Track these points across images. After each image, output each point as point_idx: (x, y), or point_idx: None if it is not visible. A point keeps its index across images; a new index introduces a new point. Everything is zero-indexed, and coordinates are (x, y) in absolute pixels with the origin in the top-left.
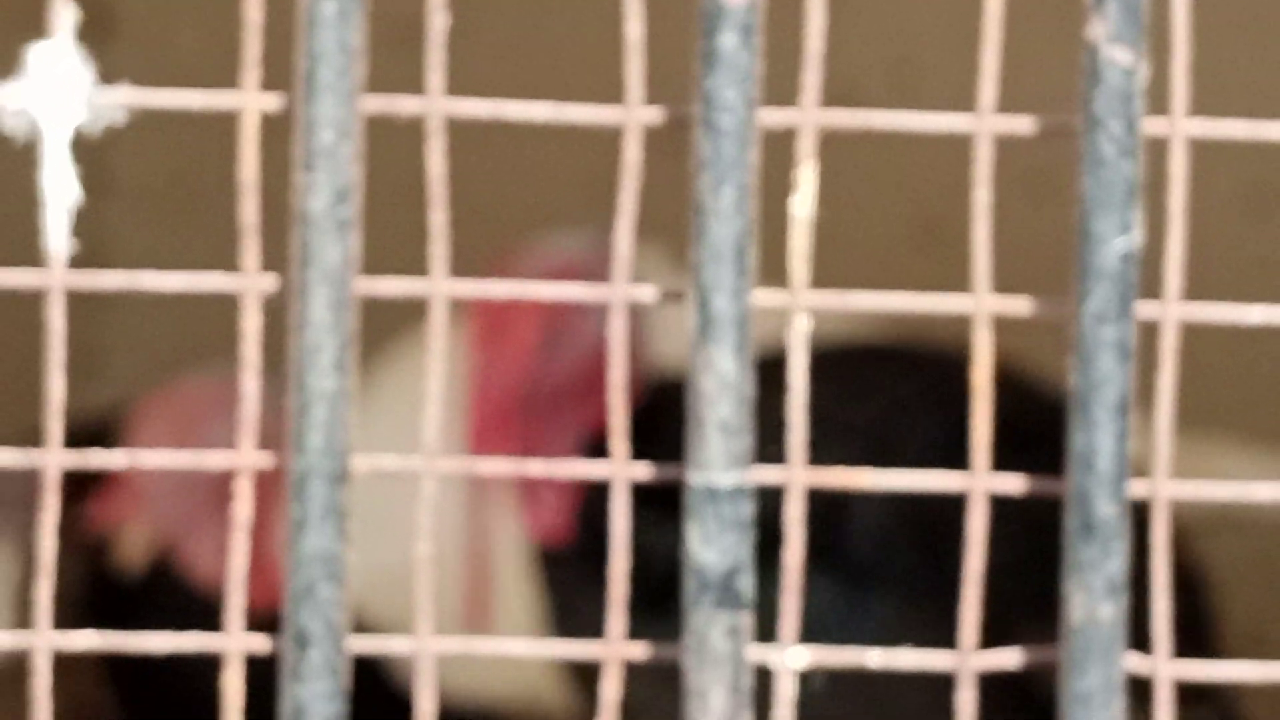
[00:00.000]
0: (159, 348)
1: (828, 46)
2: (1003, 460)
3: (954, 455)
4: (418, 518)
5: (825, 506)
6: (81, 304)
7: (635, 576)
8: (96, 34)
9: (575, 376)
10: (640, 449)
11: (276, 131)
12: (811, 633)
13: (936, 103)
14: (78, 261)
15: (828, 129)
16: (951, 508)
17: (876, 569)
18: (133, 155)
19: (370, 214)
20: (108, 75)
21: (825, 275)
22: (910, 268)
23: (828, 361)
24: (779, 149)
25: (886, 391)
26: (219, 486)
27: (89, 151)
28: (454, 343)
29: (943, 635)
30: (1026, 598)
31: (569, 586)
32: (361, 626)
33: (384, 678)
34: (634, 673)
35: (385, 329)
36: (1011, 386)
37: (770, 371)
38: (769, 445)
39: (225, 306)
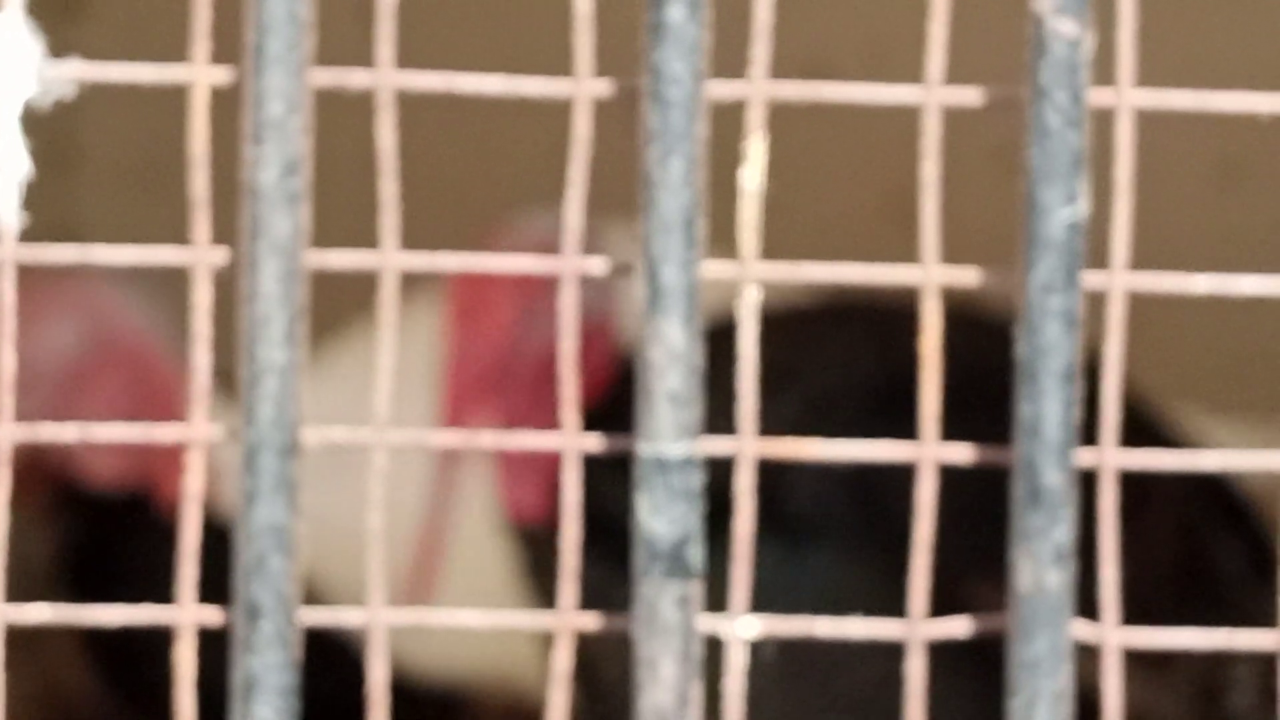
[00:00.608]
0: None
1: (801, 22)
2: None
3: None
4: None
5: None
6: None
7: (621, 552)
8: (67, 11)
9: (552, 353)
10: (615, 424)
11: (238, 105)
12: (755, 597)
13: (909, 78)
14: (47, 236)
15: (777, 101)
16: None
17: (817, 528)
18: (103, 131)
19: (357, 190)
20: (79, 52)
21: (800, 246)
22: (884, 240)
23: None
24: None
25: (831, 344)
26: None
27: (59, 127)
28: (431, 320)
29: (891, 592)
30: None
31: (546, 564)
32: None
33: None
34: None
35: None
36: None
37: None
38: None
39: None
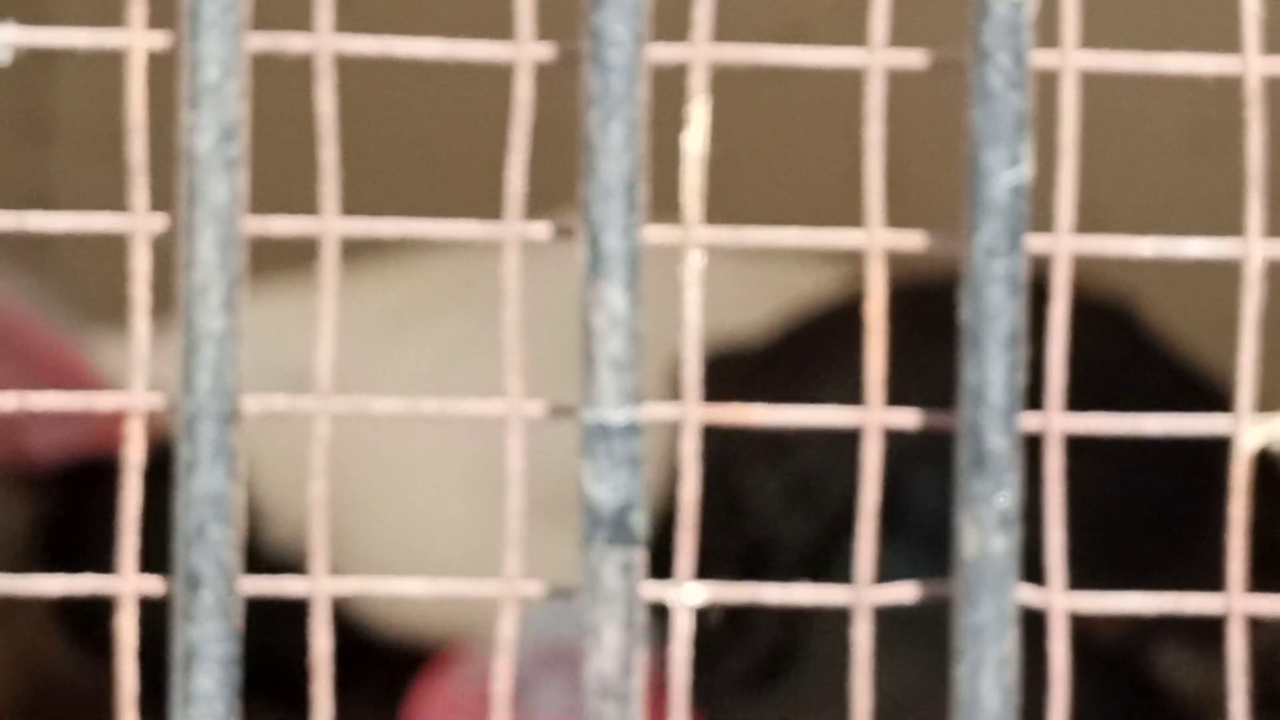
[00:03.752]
0: (97, 295)
1: None
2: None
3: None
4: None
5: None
6: (21, 249)
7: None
8: None
9: None
10: None
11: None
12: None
13: (889, 42)
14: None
15: (720, 65)
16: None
17: (942, 534)
18: (75, 101)
19: (297, 156)
20: (47, 20)
21: (795, 210)
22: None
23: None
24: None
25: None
26: None
27: (31, 97)
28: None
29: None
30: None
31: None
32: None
33: (355, 624)
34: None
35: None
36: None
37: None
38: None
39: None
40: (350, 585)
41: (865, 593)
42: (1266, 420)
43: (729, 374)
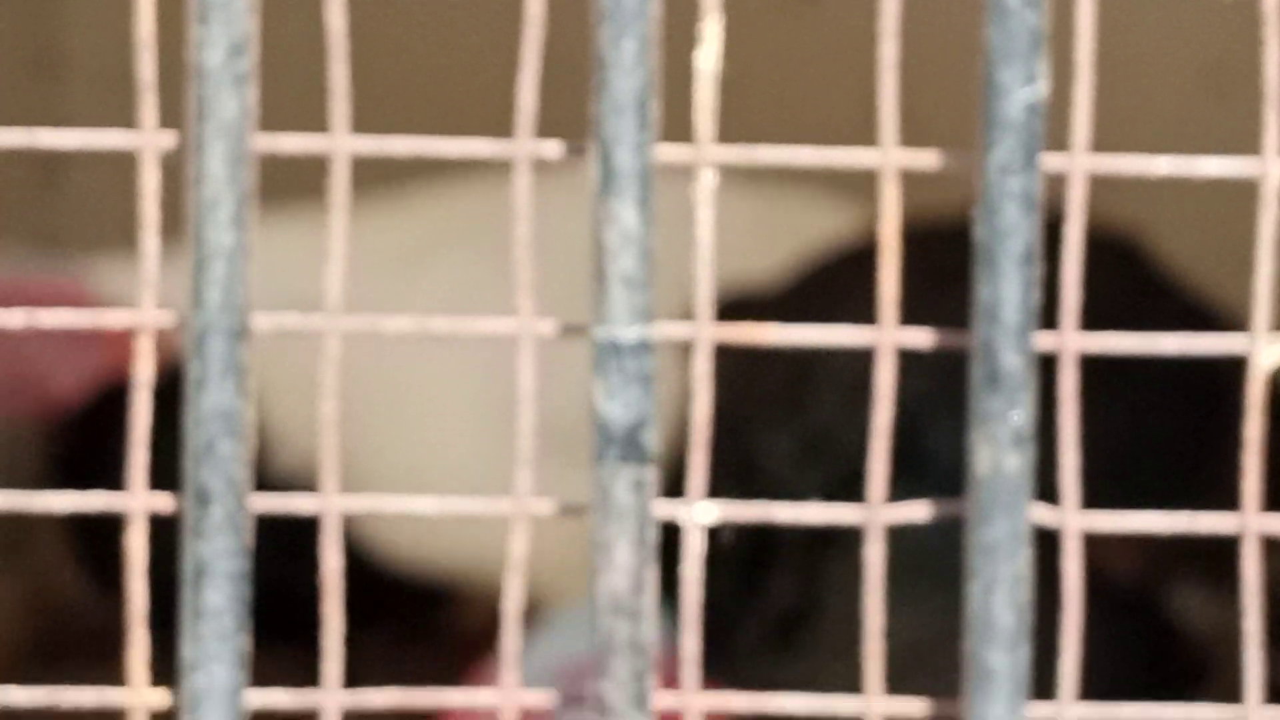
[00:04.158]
0: (109, 230)
1: None
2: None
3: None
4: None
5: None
6: (32, 179)
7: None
8: None
9: None
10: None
11: None
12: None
13: None
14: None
15: None
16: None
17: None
18: (84, 33)
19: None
20: None
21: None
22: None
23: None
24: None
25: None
26: None
27: (43, 32)
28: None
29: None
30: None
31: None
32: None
33: (367, 558)
34: None
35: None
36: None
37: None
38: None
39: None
40: (360, 503)
41: (878, 512)
42: None
43: (744, 317)
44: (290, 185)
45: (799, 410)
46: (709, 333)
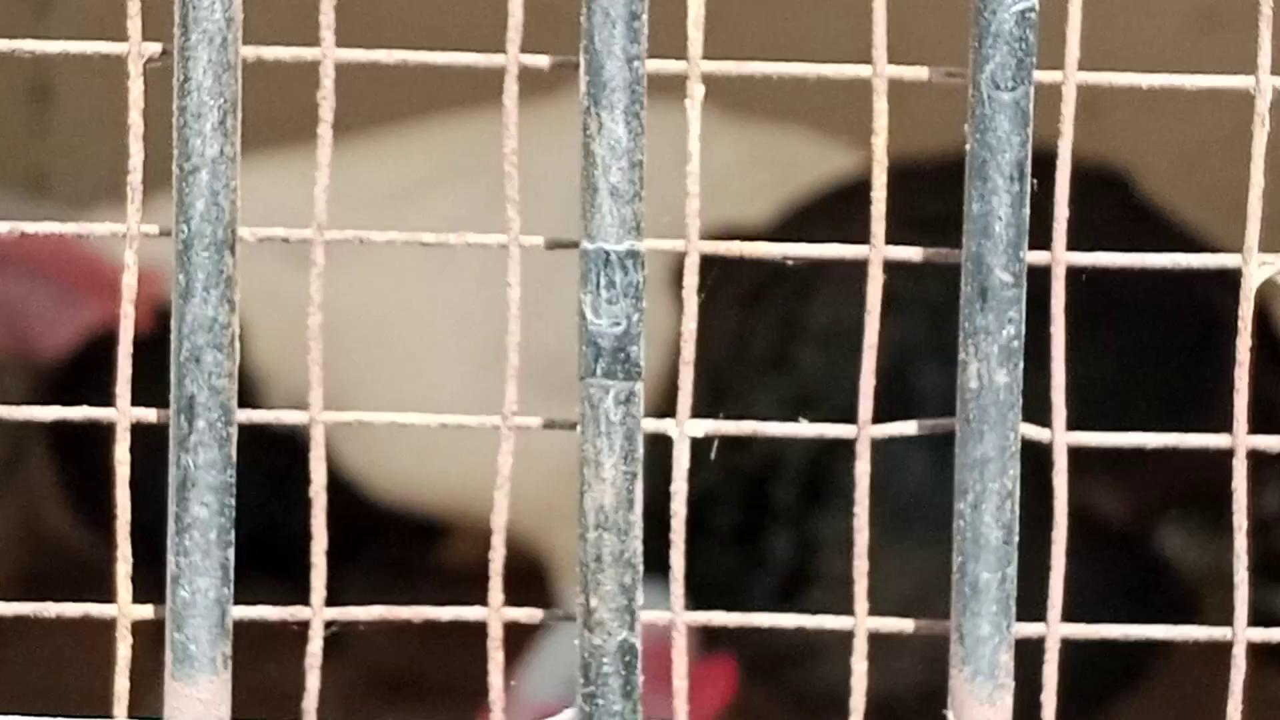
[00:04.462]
0: (103, 170)
1: None
2: None
3: None
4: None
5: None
6: (22, 121)
7: None
8: None
9: None
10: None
11: None
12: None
13: None
14: (27, 79)
15: None
16: None
17: None
18: None
19: None
20: None
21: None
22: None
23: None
24: None
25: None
26: None
27: None
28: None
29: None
30: None
31: None
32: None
33: (357, 490)
34: None
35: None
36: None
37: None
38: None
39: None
40: (347, 416)
41: (866, 429)
42: (1272, 259)
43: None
44: (285, 131)
45: (788, 366)
46: (697, 246)
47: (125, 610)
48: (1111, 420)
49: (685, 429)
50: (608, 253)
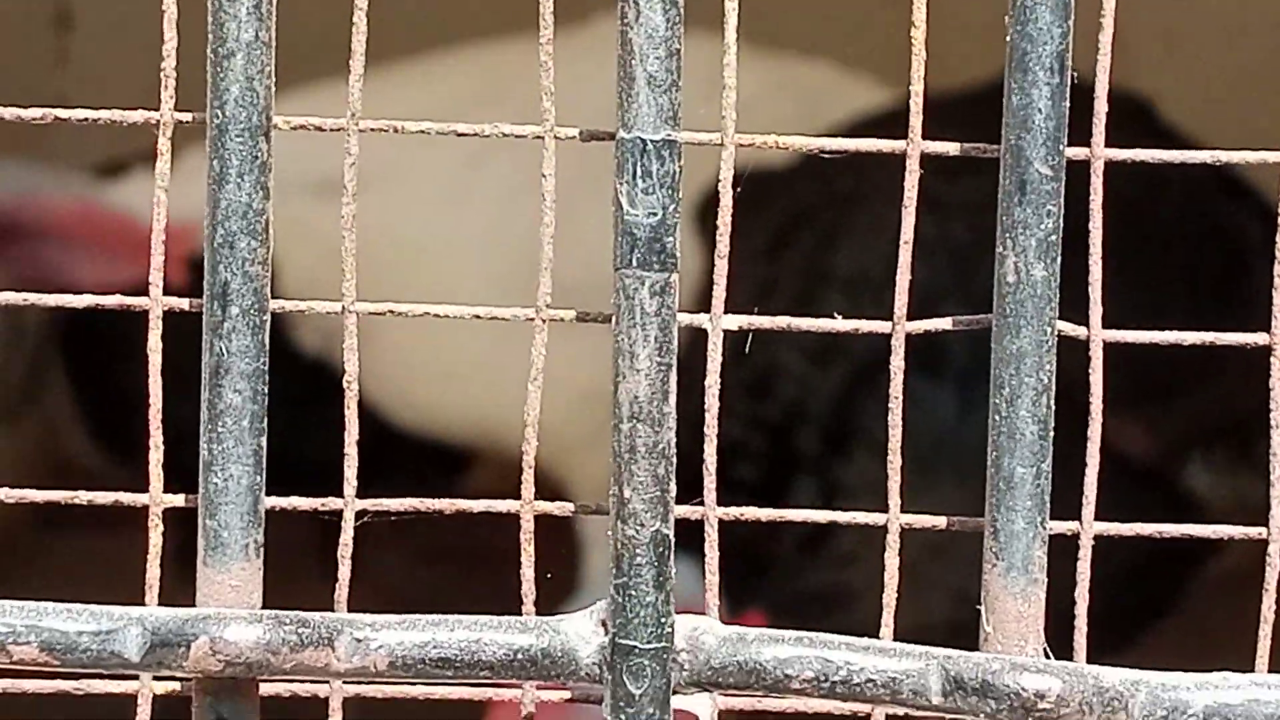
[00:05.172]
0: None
1: None
2: None
3: None
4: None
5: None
6: (48, 48)
7: None
8: None
9: None
10: None
11: None
12: (929, 445)
13: None
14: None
15: None
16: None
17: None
18: None
19: None
20: None
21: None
22: None
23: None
24: None
25: None
26: None
27: None
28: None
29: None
30: None
31: None
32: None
33: (383, 420)
34: None
35: None
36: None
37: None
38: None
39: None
40: (379, 306)
41: (902, 325)
42: None
43: (766, 186)
44: (321, 66)
45: (811, 315)
46: (733, 139)
47: (157, 498)
48: (1142, 353)
49: (719, 323)
50: (644, 142)
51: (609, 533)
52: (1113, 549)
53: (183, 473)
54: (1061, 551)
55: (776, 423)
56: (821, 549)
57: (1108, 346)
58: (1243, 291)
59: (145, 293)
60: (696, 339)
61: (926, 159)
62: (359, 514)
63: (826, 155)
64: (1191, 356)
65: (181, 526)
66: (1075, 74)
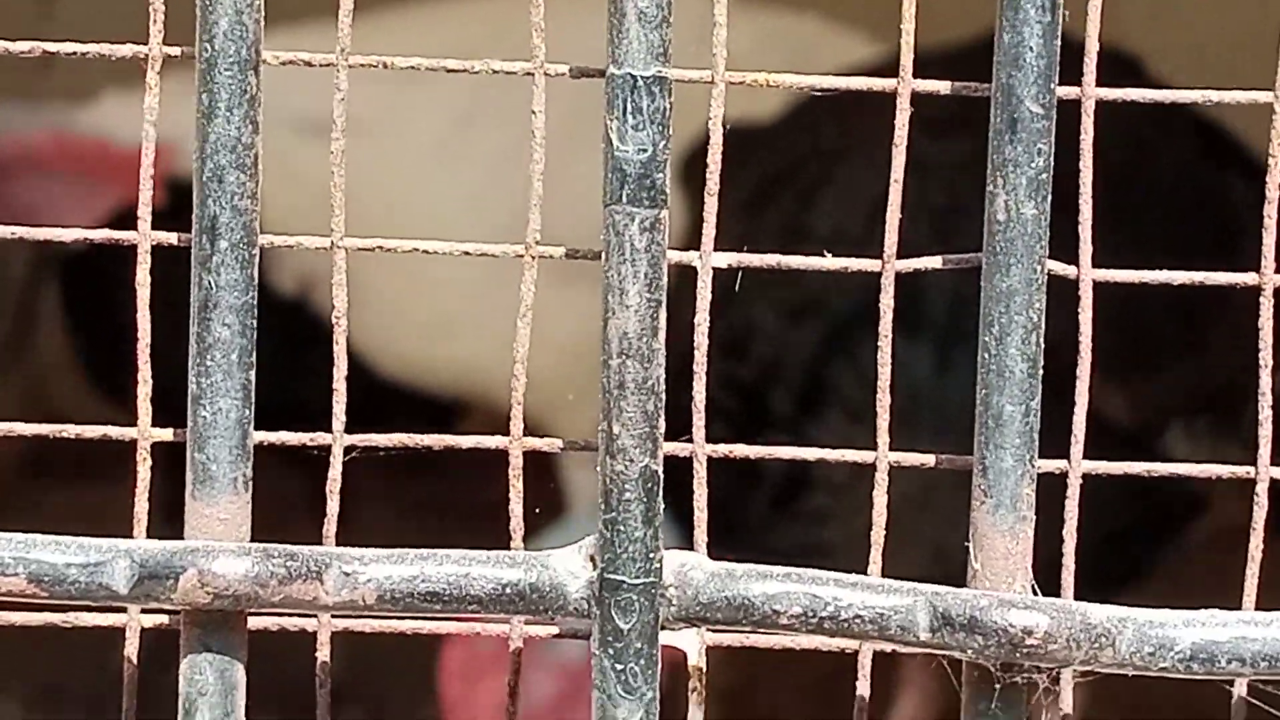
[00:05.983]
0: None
1: None
2: None
3: None
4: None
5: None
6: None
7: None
8: None
9: None
10: None
11: None
12: (910, 401)
13: None
14: None
15: None
16: None
17: (960, 334)
18: None
19: None
20: None
21: None
22: None
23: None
24: None
25: None
26: None
27: None
28: None
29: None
30: None
31: None
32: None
33: (370, 370)
34: None
35: None
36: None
37: None
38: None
39: None
40: (367, 242)
41: (891, 264)
42: None
43: (751, 141)
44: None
45: (790, 273)
46: (722, 76)
47: (145, 432)
48: (1131, 317)
49: (709, 260)
50: (635, 78)
51: (597, 469)
52: (1094, 516)
53: (179, 415)
54: (1046, 523)
55: (750, 383)
56: (794, 507)
57: (1096, 315)
58: (1234, 259)
59: (131, 219)
60: (679, 286)
61: (914, 120)
62: (347, 449)
63: (809, 114)
64: (1176, 330)
65: (168, 477)
66: (1066, 14)
